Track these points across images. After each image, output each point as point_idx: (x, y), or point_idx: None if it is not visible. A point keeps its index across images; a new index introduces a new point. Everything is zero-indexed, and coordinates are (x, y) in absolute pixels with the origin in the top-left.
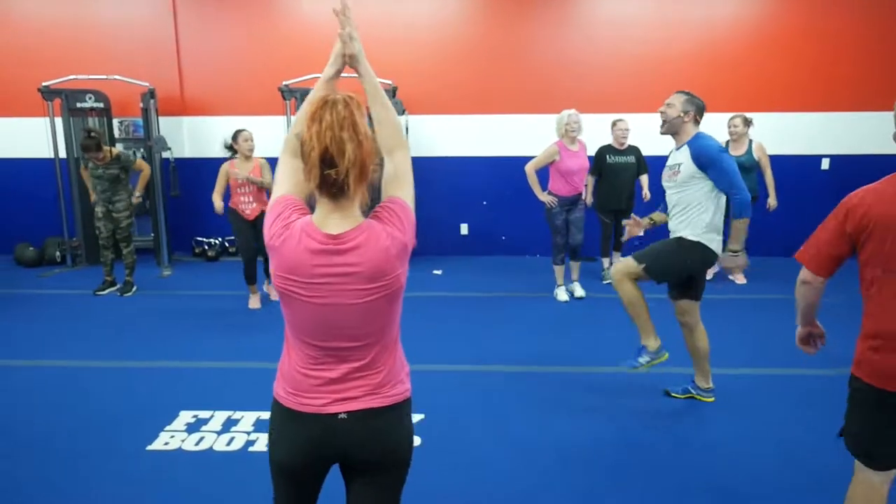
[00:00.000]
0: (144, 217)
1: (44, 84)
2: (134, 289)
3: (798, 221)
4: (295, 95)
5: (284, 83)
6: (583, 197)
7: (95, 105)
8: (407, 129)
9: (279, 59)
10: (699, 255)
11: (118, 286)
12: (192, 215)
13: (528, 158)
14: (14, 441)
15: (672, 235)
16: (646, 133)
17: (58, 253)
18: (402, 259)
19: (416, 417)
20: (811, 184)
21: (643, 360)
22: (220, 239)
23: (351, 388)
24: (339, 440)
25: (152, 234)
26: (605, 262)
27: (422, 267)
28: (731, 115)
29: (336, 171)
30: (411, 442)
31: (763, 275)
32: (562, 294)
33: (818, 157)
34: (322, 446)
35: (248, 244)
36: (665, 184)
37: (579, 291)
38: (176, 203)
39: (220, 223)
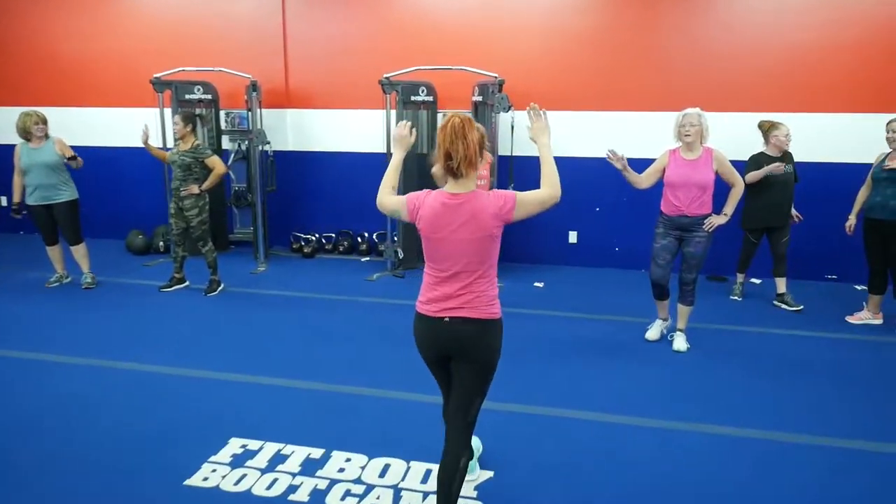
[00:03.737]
0: (245, 210)
1: (155, 76)
2: (220, 287)
3: None
4: (396, 88)
5: (385, 76)
6: (706, 223)
7: (203, 97)
8: (512, 126)
9: (384, 52)
10: None
11: (187, 283)
12: (292, 209)
13: (650, 161)
14: (60, 445)
15: None
16: (798, 138)
17: (161, 243)
18: (496, 216)
19: (486, 475)
20: None
21: None
22: (317, 235)
23: (453, 301)
24: (445, 337)
25: (251, 227)
26: (740, 277)
27: (522, 277)
28: None
29: (453, 162)
30: (493, 351)
31: None
32: (653, 331)
33: None
34: (436, 339)
35: None
36: None
37: (679, 344)
38: (277, 196)
39: (319, 218)
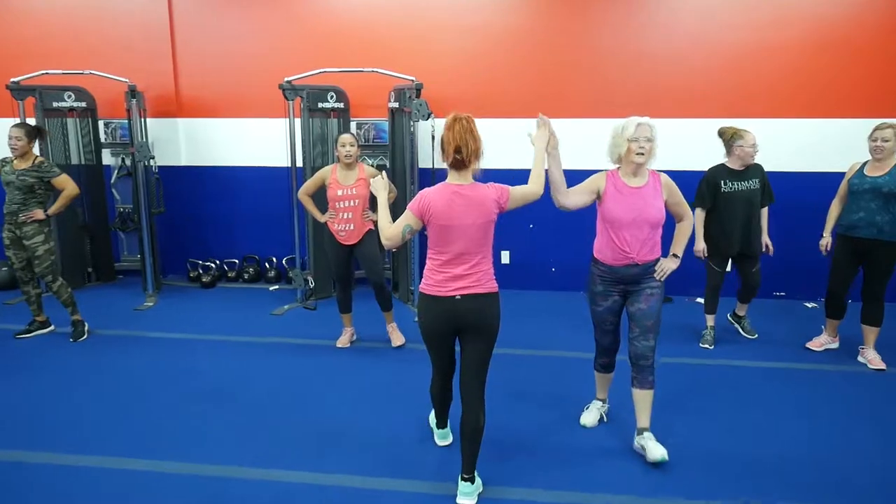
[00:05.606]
0: (133, 234)
1: (13, 80)
2: (86, 329)
3: None
4: (300, 94)
5: (286, 80)
6: (658, 270)
7: (76, 104)
8: (433, 136)
9: (288, 53)
10: None
11: (51, 328)
12: (189, 232)
13: (585, 173)
14: None
15: None
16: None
17: None
18: (497, 204)
19: None
20: None
21: None
22: (217, 261)
23: (464, 281)
24: (458, 312)
25: (138, 255)
26: (710, 319)
27: None
28: (876, 122)
29: (462, 154)
30: (497, 319)
31: None
32: (589, 416)
33: None
34: (449, 316)
35: (340, 270)
36: None
37: (654, 452)
38: (170, 218)
39: (220, 242)
